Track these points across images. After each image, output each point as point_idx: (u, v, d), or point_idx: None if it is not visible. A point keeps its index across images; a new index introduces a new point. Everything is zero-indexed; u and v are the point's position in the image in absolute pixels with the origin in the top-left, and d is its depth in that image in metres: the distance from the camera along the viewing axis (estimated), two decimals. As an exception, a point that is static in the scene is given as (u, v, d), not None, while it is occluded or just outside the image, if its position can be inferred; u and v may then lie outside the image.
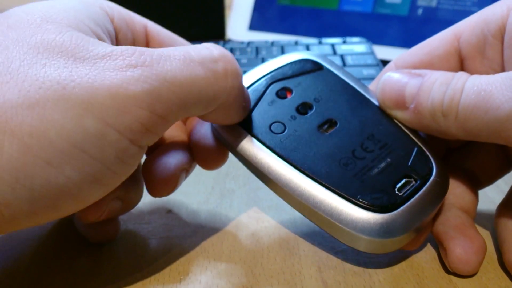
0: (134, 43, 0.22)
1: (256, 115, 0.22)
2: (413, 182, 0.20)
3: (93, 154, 0.16)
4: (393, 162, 0.21)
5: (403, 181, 0.20)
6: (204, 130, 0.23)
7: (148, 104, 0.16)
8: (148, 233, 0.24)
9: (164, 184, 0.21)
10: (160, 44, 0.23)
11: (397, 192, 0.20)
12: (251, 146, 0.21)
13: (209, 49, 0.19)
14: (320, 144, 0.21)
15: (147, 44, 0.23)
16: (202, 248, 0.22)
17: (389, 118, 0.22)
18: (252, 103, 0.22)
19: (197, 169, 0.29)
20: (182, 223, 0.24)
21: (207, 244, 0.23)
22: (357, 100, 0.23)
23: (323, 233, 0.24)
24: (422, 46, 0.23)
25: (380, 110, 0.22)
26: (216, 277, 0.21)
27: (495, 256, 0.22)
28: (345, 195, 0.19)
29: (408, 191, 0.20)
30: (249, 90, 0.22)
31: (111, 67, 0.16)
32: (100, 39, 0.19)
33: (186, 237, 0.23)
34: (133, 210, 0.25)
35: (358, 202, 0.19)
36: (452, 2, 0.44)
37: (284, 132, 0.21)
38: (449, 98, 0.19)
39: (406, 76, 0.21)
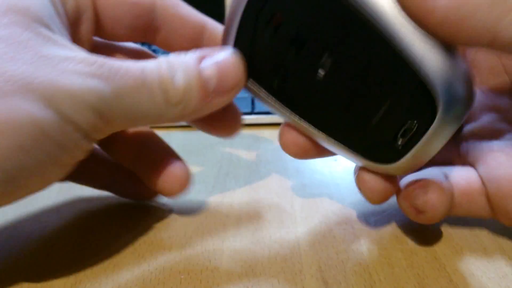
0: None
1: (257, 58, 0.20)
2: (414, 127, 0.19)
3: (58, 140, 0.18)
4: (392, 105, 0.19)
5: (403, 128, 0.19)
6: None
7: (100, 112, 0.18)
8: (147, 232, 0.24)
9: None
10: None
11: (398, 142, 0.20)
12: (264, 98, 0.21)
13: (157, 69, 0.19)
14: (316, 90, 0.20)
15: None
16: (203, 248, 0.23)
17: (394, 44, 0.17)
18: (246, 45, 0.20)
19: (198, 169, 0.29)
20: (183, 223, 0.24)
21: (208, 243, 0.23)
22: (352, 23, 0.18)
23: (324, 232, 0.24)
24: None
25: (382, 33, 0.17)
26: (217, 276, 0.21)
27: (496, 256, 0.22)
28: (348, 147, 0.21)
29: (409, 138, 0.19)
30: (235, 30, 0.20)
31: (72, 71, 0.18)
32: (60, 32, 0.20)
33: (187, 236, 0.23)
34: (133, 210, 0.25)
35: (363, 154, 0.21)
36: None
37: (285, 79, 0.20)
38: None
39: None
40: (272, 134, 0.33)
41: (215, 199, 0.26)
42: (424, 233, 0.23)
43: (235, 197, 0.26)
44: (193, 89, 0.19)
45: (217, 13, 0.51)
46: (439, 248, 0.22)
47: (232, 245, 0.23)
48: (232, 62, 0.20)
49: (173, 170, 0.24)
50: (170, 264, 0.21)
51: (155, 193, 0.25)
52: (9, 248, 0.23)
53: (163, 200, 0.26)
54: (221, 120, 0.24)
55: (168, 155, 0.24)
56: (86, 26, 0.22)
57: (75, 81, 0.17)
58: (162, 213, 0.25)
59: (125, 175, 0.26)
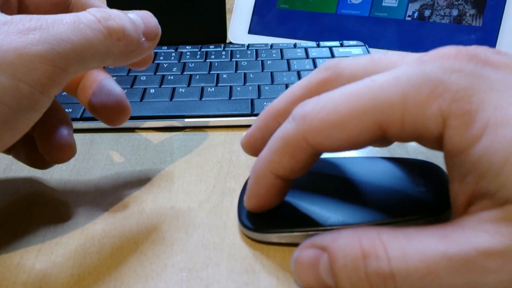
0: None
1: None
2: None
3: (11, 105, 0.19)
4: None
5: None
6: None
7: (51, 60, 0.19)
8: (149, 230, 0.24)
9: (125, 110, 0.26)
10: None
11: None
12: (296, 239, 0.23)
13: (93, 14, 0.21)
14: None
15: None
16: (204, 246, 0.23)
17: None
18: None
19: (199, 169, 0.29)
20: (184, 221, 0.25)
21: (208, 241, 0.23)
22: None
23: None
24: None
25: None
26: (217, 274, 0.21)
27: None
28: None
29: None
30: None
31: (14, 31, 0.19)
32: None
33: (188, 234, 0.24)
34: (133, 207, 0.26)
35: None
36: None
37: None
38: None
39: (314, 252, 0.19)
40: (271, 135, 0.34)
41: (216, 198, 0.27)
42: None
43: (235, 197, 0.27)
44: (128, 27, 0.22)
45: (217, 13, 0.51)
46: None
47: (232, 243, 0.23)
48: (149, 13, 0.24)
49: (58, 139, 0.25)
50: (172, 262, 0.22)
51: (47, 161, 0.27)
52: (15, 245, 0.23)
53: (166, 199, 0.27)
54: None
55: (61, 124, 0.26)
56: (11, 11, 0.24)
57: (20, 40, 0.19)
58: (164, 211, 0.26)
59: (26, 138, 0.26)
